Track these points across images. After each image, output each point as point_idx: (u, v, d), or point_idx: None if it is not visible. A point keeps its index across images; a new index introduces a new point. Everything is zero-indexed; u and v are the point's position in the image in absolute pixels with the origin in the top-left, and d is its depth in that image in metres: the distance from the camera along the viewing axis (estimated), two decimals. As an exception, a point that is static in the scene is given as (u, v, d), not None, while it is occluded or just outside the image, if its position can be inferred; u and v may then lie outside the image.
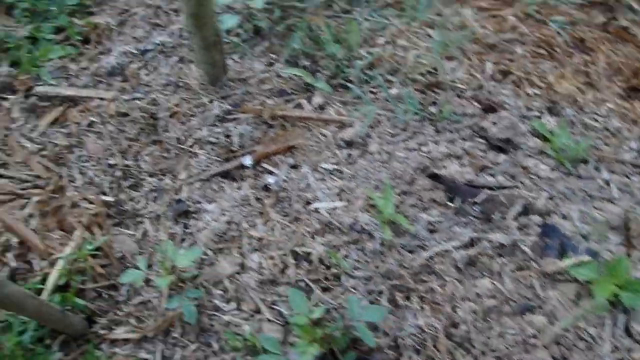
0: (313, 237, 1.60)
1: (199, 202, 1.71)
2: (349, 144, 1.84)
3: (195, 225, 1.65)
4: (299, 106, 1.94)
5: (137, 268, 1.53)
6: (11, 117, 1.85)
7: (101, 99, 1.93)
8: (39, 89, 1.93)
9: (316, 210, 1.67)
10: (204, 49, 1.82)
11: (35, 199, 1.69)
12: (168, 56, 2.07)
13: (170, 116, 1.91)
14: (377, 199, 1.62)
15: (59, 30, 2.10)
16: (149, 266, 1.59)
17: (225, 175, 1.78)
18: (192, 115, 1.91)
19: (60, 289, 1.58)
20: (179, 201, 1.71)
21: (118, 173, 1.78)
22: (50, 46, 2.03)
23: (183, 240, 1.63)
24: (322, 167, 1.77)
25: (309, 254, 1.58)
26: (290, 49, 2.04)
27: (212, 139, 1.84)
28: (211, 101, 1.93)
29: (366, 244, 1.58)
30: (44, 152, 1.81)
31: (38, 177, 1.76)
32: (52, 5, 2.09)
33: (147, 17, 2.18)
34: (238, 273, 1.55)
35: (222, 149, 1.83)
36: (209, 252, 1.60)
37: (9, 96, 1.88)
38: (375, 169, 1.76)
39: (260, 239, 1.62)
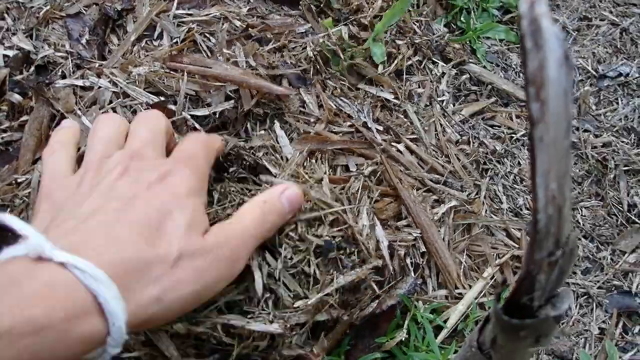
0: None
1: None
2: None
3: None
4: None
5: None
6: (438, 88, 1.45)
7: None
8: (473, 68, 1.52)
9: None
10: None
11: (451, 203, 1.26)
12: (630, 95, 1.58)
13: (627, 172, 1.41)
14: None
15: (505, 10, 1.69)
16: None
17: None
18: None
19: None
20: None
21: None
22: (493, 23, 1.62)
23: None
24: None
25: None
26: None
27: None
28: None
29: None
30: (465, 147, 1.39)
31: (453, 174, 1.34)
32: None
33: (611, 36, 1.71)
34: None
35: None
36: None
37: (440, 62, 1.49)
38: None
39: None
